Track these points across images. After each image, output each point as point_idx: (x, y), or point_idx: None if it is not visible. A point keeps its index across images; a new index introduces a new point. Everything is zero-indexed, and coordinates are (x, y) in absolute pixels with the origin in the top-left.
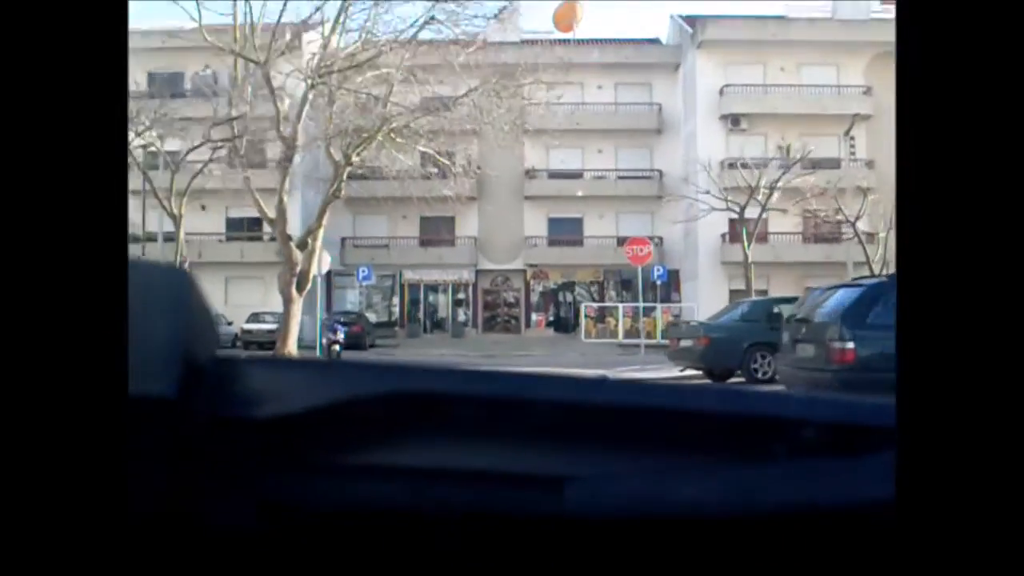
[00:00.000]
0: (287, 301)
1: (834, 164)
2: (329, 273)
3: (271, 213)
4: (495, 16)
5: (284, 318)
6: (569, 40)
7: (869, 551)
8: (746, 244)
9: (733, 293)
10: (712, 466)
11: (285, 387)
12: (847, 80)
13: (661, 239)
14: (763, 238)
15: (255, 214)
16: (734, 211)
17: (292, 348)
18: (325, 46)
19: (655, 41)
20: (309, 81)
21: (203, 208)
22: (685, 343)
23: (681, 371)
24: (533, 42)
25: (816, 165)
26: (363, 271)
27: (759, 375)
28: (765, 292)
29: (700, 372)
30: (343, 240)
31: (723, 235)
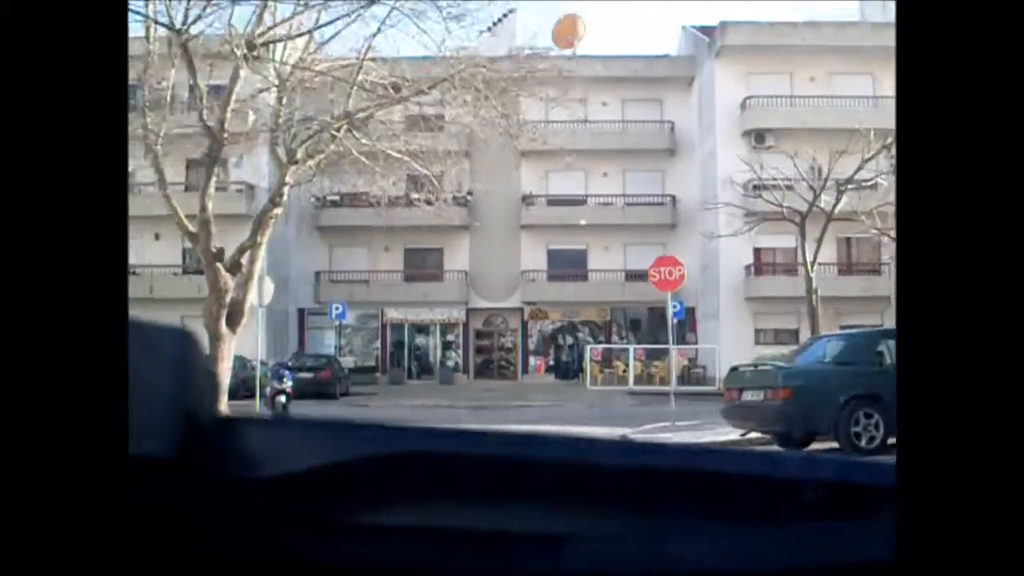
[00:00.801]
0: (214, 340)
1: (870, 184)
2: (302, 312)
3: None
4: (489, 28)
5: (212, 361)
6: (571, 56)
7: None
8: (809, 266)
9: (759, 333)
10: (712, 528)
11: (285, 448)
12: (884, 91)
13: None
14: (791, 270)
15: (217, 243)
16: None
17: (221, 403)
18: (260, 13)
19: (664, 57)
20: (240, 51)
21: (156, 237)
22: (751, 396)
23: (743, 435)
24: (530, 56)
25: (851, 184)
26: (337, 307)
27: (862, 442)
28: (796, 333)
29: (766, 435)
30: (317, 274)
31: (747, 267)
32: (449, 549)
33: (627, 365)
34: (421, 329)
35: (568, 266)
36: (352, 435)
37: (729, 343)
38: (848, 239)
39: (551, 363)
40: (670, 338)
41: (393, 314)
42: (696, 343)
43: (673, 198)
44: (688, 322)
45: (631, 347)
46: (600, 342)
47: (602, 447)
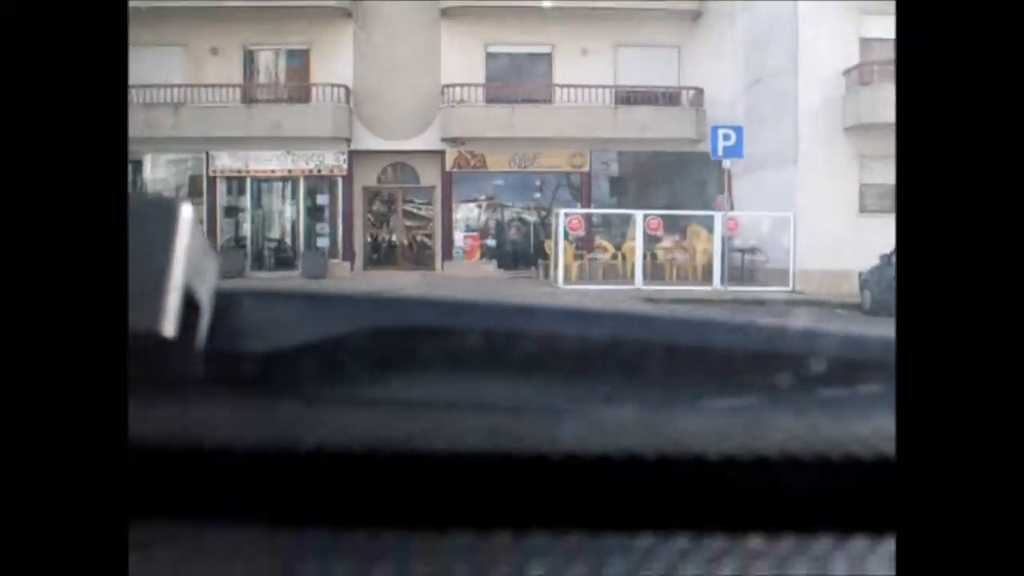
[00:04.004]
0: None
1: None
2: None
3: None
4: None
5: None
6: None
7: (870, 487)
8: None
9: (868, 193)
10: (714, 399)
11: (284, 320)
12: None
13: (700, 90)
14: None
15: None
16: None
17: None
18: None
19: None
20: None
21: None
22: None
23: None
24: None
25: None
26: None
27: None
28: None
29: None
30: None
31: (849, 71)
32: (445, 422)
33: (620, 249)
34: (272, 185)
35: (521, 80)
36: (347, 307)
37: (814, 209)
38: None
39: (491, 242)
40: (723, 193)
41: (225, 161)
42: (731, 208)
43: None
44: (719, 177)
45: (638, 213)
46: (572, 206)
47: (603, 319)
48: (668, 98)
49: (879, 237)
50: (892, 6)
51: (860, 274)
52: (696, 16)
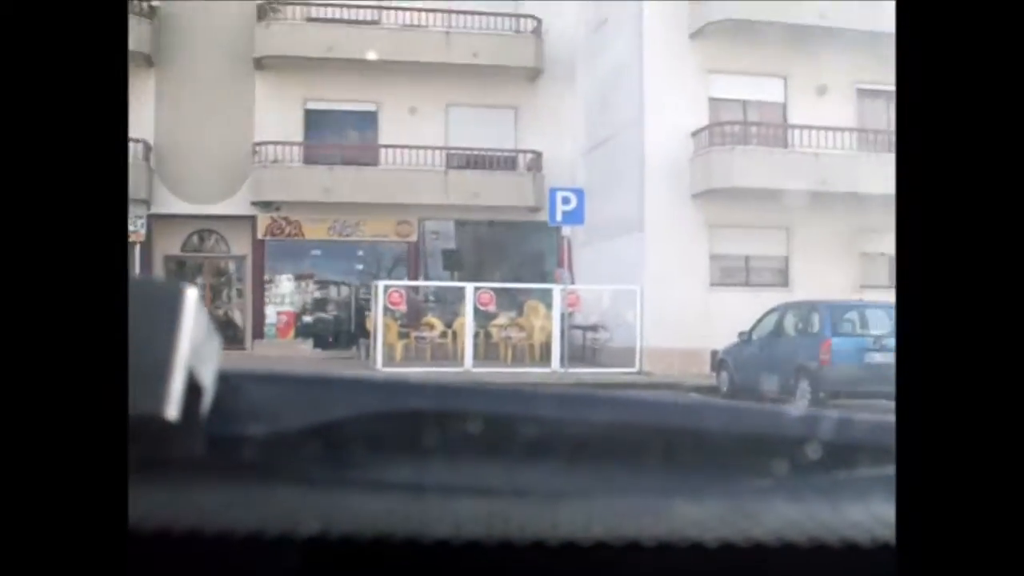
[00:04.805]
0: None
1: None
2: None
3: None
4: None
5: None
6: None
7: (870, 570)
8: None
9: (719, 263)
10: (713, 485)
11: (286, 404)
12: None
13: (539, 154)
14: (777, 136)
15: None
16: None
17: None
18: None
19: None
20: None
21: None
22: None
23: None
24: None
25: None
26: None
27: None
28: (785, 264)
29: None
30: None
31: (697, 133)
32: (444, 507)
33: (450, 327)
34: None
35: (343, 139)
36: (349, 391)
37: (662, 282)
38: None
39: (308, 318)
40: (562, 267)
41: None
42: (571, 281)
43: (538, 21)
44: (558, 247)
45: (467, 285)
46: (400, 279)
47: (601, 403)
48: (504, 162)
49: (732, 312)
50: (740, 65)
51: (714, 353)
52: (534, 74)
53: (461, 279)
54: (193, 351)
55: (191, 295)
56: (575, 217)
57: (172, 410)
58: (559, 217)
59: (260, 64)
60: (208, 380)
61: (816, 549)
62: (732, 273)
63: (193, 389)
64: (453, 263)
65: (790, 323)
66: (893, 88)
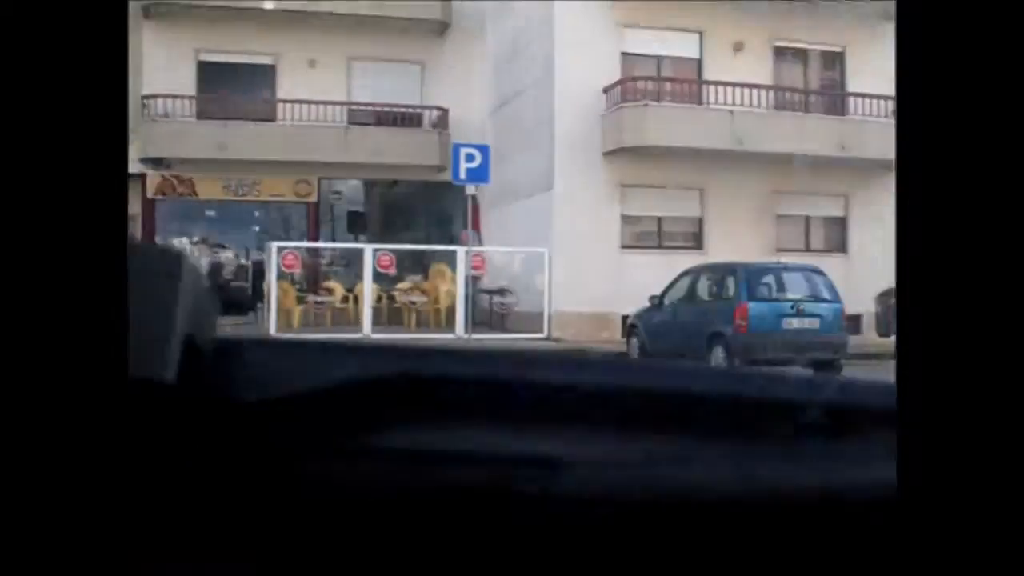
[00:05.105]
0: None
1: None
2: None
3: None
4: None
5: None
6: None
7: (872, 535)
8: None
9: (632, 226)
10: (709, 449)
11: (283, 369)
12: None
13: (445, 111)
14: (692, 93)
15: None
16: None
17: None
18: None
19: None
20: None
21: None
22: None
23: None
24: None
25: None
26: None
27: None
28: (699, 226)
29: None
30: None
31: (609, 89)
32: (441, 471)
33: (352, 291)
34: None
35: (238, 93)
36: (348, 356)
37: (571, 245)
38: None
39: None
40: (466, 226)
41: None
42: (479, 243)
43: None
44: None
45: (367, 247)
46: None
47: (600, 367)
48: (409, 119)
49: (644, 276)
50: (655, 19)
51: (625, 318)
52: (442, 28)
53: (368, 242)
54: (190, 316)
55: (187, 258)
56: (480, 175)
57: (170, 374)
58: (463, 175)
59: (148, 12)
60: (206, 345)
61: (817, 511)
62: (645, 235)
63: (190, 353)
64: (357, 225)
65: (704, 286)
66: (810, 46)
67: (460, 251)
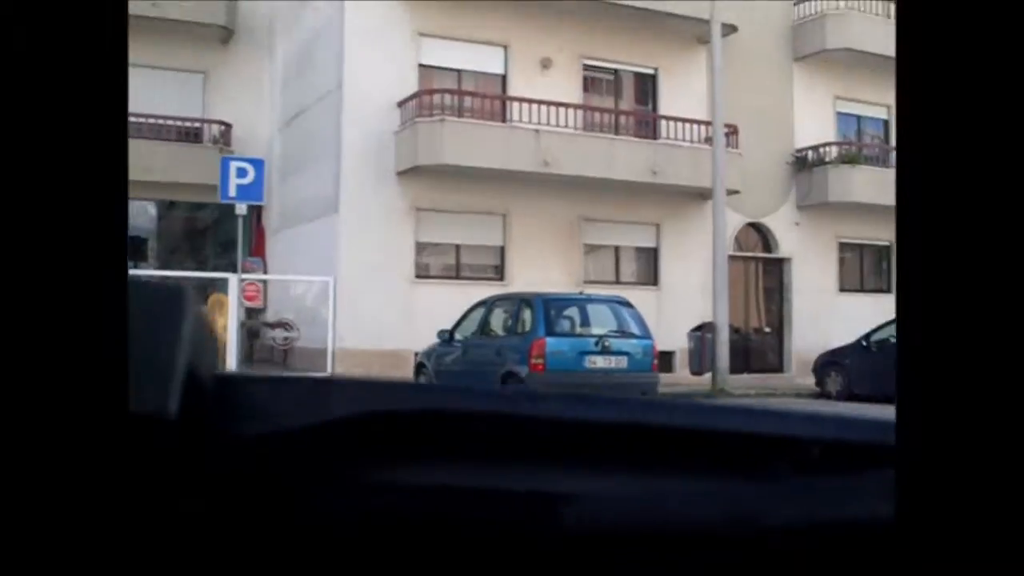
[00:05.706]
0: None
1: None
2: None
3: None
4: None
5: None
6: None
7: (871, 570)
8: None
9: (424, 253)
10: (712, 486)
11: (284, 405)
12: None
13: (228, 126)
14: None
15: None
16: None
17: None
18: None
19: None
20: None
21: None
22: None
23: None
24: None
25: None
26: None
27: None
28: (501, 256)
29: None
30: None
31: (404, 103)
32: (448, 507)
33: None
34: None
35: None
36: (350, 392)
37: (359, 275)
38: (607, 69)
39: None
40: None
41: None
42: (263, 270)
43: None
44: (252, 233)
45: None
46: None
47: (603, 405)
48: (187, 133)
49: (440, 310)
50: (457, 29)
51: (416, 355)
52: (226, 36)
53: (152, 269)
54: (192, 351)
55: (188, 295)
56: (252, 193)
57: (172, 409)
58: (232, 192)
59: None
60: (207, 380)
61: (816, 548)
62: (441, 265)
63: (192, 389)
64: (139, 252)
65: (498, 320)
66: (622, 66)
67: (232, 279)
